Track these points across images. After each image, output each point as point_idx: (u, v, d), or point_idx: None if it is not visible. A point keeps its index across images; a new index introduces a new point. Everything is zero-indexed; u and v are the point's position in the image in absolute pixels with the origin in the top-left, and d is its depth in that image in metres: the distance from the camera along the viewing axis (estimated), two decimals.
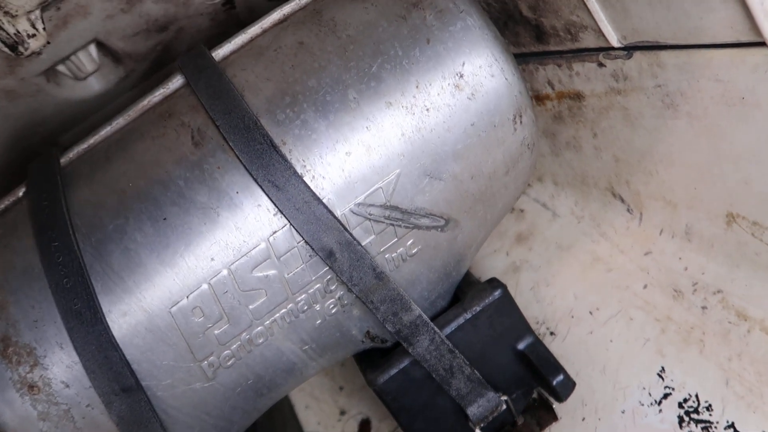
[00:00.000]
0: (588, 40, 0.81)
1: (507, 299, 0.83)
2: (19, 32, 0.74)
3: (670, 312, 0.84)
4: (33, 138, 1.02)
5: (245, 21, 1.08)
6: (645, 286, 0.88)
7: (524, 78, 0.77)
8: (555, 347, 0.90)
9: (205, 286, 0.70)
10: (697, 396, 0.77)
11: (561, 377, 0.82)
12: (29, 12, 0.74)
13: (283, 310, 0.74)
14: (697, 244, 0.84)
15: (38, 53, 0.77)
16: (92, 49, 0.95)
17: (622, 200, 0.93)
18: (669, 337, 0.83)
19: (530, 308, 0.96)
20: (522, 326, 0.85)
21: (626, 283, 0.90)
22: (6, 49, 0.75)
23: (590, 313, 0.92)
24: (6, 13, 0.72)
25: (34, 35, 0.75)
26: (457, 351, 0.78)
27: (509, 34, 0.92)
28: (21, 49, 0.75)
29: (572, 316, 0.93)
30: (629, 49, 0.76)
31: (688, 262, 0.85)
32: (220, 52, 0.78)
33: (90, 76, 0.99)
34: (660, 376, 0.82)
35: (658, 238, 0.89)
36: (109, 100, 1.05)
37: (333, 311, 0.77)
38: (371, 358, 0.86)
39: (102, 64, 0.99)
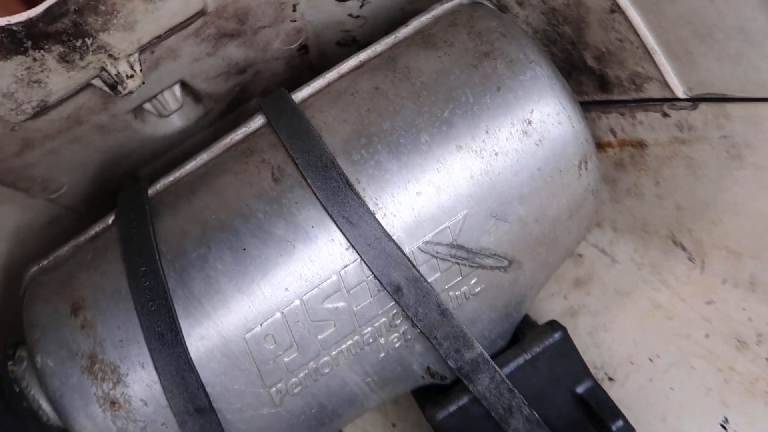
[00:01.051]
0: (652, 91, 0.83)
1: (567, 342, 0.84)
2: (119, 73, 0.81)
3: (733, 362, 0.83)
4: (117, 170, 1.10)
5: (317, 66, 1.14)
6: (707, 335, 0.88)
7: (589, 126, 0.80)
8: (614, 393, 0.89)
9: (278, 315, 0.74)
10: None
11: (620, 423, 0.81)
12: (129, 55, 0.81)
13: (350, 342, 0.77)
14: (762, 295, 0.83)
15: (132, 92, 0.84)
16: (177, 89, 1.02)
17: (684, 248, 0.94)
18: (732, 387, 0.82)
19: (588, 353, 0.96)
20: (581, 369, 0.85)
21: (687, 331, 0.90)
22: (106, 89, 0.82)
23: (650, 360, 0.91)
24: (110, 56, 0.79)
25: (131, 76, 0.82)
26: (516, 391, 0.79)
27: (573, 82, 0.94)
28: (120, 88, 0.82)
29: (631, 363, 0.92)
30: (695, 101, 0.78)
31: (752, 313, 0.84)
32: (299, 95, 0.83)
33: (172, 114, 1.06)
34: (723, 426, 0.80)
35: (720, 287, 0.89)
36: (187, 137, 1.12)
37: (396, 345, 0.79)
38: (430, 394, 0.87)
39: (184, 103, 1.05)
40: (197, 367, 0.73)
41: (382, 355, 0.79)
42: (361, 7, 1.03)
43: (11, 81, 0.73)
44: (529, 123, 0.76)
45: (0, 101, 0.74)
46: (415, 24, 0.85)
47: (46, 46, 0.72)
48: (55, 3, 0.68)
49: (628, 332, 0.95)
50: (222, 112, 1.12)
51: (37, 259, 0.85)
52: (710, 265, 0.90)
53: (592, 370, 0.88)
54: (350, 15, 1.05)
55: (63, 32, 0.71)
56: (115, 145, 1.02)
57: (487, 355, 0.77)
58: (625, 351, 0.94)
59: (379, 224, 0.73)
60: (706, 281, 0.91)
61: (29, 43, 0.70)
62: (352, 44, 1.13)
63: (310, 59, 1.12)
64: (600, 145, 0.98)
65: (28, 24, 0.68)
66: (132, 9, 0.74)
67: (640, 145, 0.91)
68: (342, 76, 0.83)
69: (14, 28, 0.68)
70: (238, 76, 1.05)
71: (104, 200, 1.12)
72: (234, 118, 1.14)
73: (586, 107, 0.96)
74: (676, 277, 0.95)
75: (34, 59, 0.72)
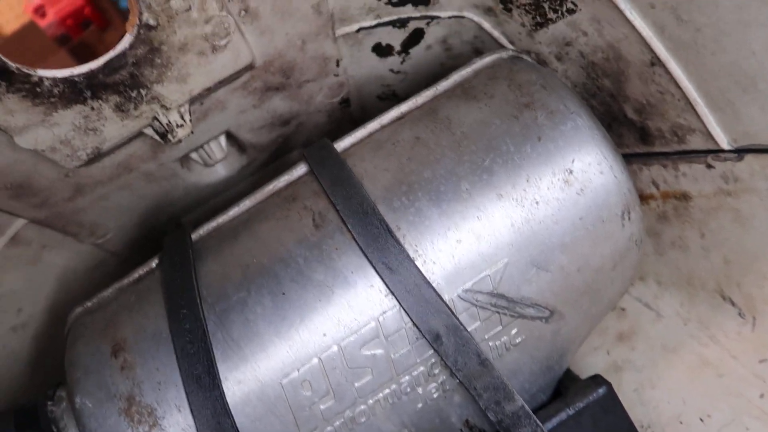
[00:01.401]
0: (696, 143, 0.82)
1: (612, 397, 0.81)
2: (170, 122, 0.84)
3: None
4: (161, 217, 1.13)
5: (357, 118, 1.17)
6: (761, 395, 0.83)
7: (633, 176, 0.79)
8: None
9: (315, 361, 0.73)
10: None
11: None
12: (180, 106, 0.84)
13: (387, 391, 0.76)
14: None
15: (180, 141, 0.87)
16: (222, 139, 1.06)
17: (733, 303, 0.91)
18: None
19: (634, 410, 0.92)
20: (627, 427, 0.81)
21: (740, 390, 0.86)
22: (157, 137, 0.86)
23: (701, 419, 0.87)
24: (162, 106, 0.82)
25: (181, 125, 0.85)
26: None
27: (613, 135, 0.94)
28: (170, 137, 0.85)
29: (680, 422, 0.88)
30: (740, 152, 0.77)
31: None
32: (341, 144, 0.85)
33: (217, 164, 1.09)
34: None
35: None
36: (230, 186, 1.15)
37: (435, 396, 0.78)
38: None
39: (229, 152, 1.09)
40: (233, 412, 0.72)
41: (420, 405, 0.78)
42: (402, 62, 1.07)
43: (69, 129, 0.77)
44: (570, 172, 0.76)
45: (57, 147, 0.78)
46: (455, 77, 0.87)
47: (104, 96, 0.75)
48: (116, 56, 0.72)
49: (676, 390, 0.91)
50: (265, 162, 1.15)
51: (81, 301, 0.86)
52: (762, 321, 0.87)
53: (639, 429, 0.85)
54: (391, 70, 1.08)
55: (120, 83, 0.75)
56: (161, 193, 1.06)
57: (528, 409, 0.75)
58: (673, 410, 0.90)
59: (419, 271, 0.73)
60: (758, 338, 0.87)
61: (89, 93, 0.74)
62: (392, 98, 1.16)
63: (351, 112, 1.15)
64: (643, 198, 0.97)
65: (89, 75, 0.72)
66: (186, 62, 0.78)
67: (684, 197, 0.89)
68: (383, 127, 0.85)
69: (76, 78, 0.72)
70: (281, 127, 1.08)
71: (148, 246, 1.15)
72: (276, 168, 1.17)
73: (628, 159, 0.96)
74: (726, 333, 0.91)
75: (92, 108, 0.76)
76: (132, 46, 0.73)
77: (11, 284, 1.00)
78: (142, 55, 0.74)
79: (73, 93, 0.73)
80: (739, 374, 0.87)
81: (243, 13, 0.79)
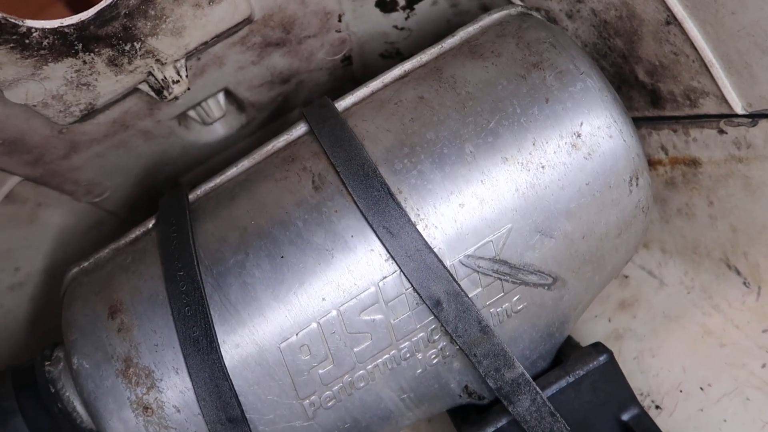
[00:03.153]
0: (708, 107, 0.79)
1: (612, 365, 0.80)
2: (165, 78, 0.81)
3: None
4: (159, 176, 1.11)
5: (359, 77, 1.14)
6: (764, 365, 0.83)
7: (642, 141, 0.77)
8: (661, 422, 0.85)
9: (314, 325, 0.72)
10: None
11: None
12: (176, 61, 0.82)
13: (386, 356, 0.75)
14: None
15: (177, 98, 0.84)
16: (221, 97, 1.03)
17: (738, 272, 0.89)
18: None
19: (634, 379, 0.91)
20: (627, 396, 0.81)
21: (742, 360, 0.85)
22: (152, 93, 0.83)
23: (701, 389, 0.87)
24: (157, 60, 0.79)
25: (178, 81, 0.82)
26: (558, 415, 0.76)
27: (623, 98, 0.91)
28: (165, 93, 0.82)
29: (680, 391, 0.88)
30: (755, 117, 0.75)
31: None
32: (342, 104, 0.82)
33: (216, 122, 1.07)
34: None
35: None
36: (229, 146, 1.12)
37: (434, 362, 0.77)
38: (467, 415, 0.85)
39: (227, 111, 1.06)
40: (231, 376, 0.71)
41: (419, 371, 0.77)
42: (406, 18, 1.03)
43: (61, 83, 0.74)
44: (578, 136, 0.74)
45: (49, 103, 0.76)
46: (461, 34, 0.84)
47: (96, 49, 0.72)
48: (107, 6, 0.69)
49: (677, 359, 0.91)
50: (264, 121, 1.13)
51: (78, 261, 0.85)
52: (767, 290, 0.85)
53: (638, 397, 0.84)
54: (395, 26, 1.05)
55: (113, 36, 0.72)
56: (158, 151, 1.03)
57: (528, 376, 0.74)
58: (673, 378, 0.89)
59: (420, 236, 0.71)
60: (762, 308, 0.86)
61: (80, 46, 0.71)
62: (395, 56, 1.12)
63: (353, 70, 1.12)
64: (650, 163, 0.95)
65: (80, 26, 0.69)
66: (181, 14, 0.75)
67: (694, 163, 0.87)
68: (386, 86, 0.82)
69: (66, 30, 0.69)
70: (281, 85, 1.05)
71: (145, 206, 1.13)
72: (276, 127, 1.14)
73: (637, 123, 0.93)
74: (730, 302, 0.90)
75: (84, 62, 0.73)
76: None
77: (8, 242, 0.98)
78: (135, 6, 0.71)
79: (63, 45, 0.70)
80: (741, 344, 0.86)
81: None
